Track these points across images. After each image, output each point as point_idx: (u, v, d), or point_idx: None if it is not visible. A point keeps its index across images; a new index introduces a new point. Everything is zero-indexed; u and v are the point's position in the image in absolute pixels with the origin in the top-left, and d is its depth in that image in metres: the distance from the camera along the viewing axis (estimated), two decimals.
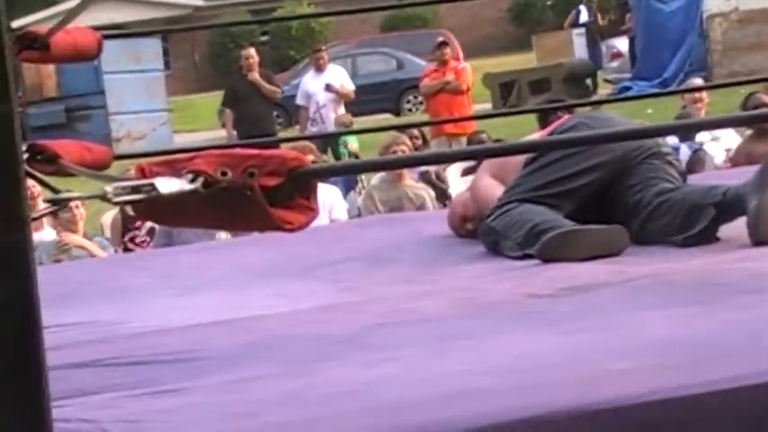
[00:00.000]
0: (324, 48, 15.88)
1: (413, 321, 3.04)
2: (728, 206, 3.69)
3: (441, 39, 14.55)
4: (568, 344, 2.57)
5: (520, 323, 2.84)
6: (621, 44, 23.36)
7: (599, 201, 3.96)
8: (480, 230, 4.12)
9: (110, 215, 8.22)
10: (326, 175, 6.48)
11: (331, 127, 12.79)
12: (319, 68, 13.63)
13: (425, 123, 13.03)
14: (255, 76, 12.78)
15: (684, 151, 7.85)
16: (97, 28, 4.23)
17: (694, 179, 4.40)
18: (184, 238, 6.58)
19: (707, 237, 3.71)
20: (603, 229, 3.74)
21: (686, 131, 7.98)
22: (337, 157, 12.05)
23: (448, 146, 11.67)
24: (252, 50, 13.22)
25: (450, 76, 12.83)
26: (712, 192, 3.79)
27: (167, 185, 1.94)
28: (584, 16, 24.01)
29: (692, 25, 20.37)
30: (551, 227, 3.78)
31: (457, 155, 2.49)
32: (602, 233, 3.73)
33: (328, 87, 13.24)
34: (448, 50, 13.11)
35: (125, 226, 7.90)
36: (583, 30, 23.79)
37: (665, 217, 3.81)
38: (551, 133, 4.20)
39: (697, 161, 7.99)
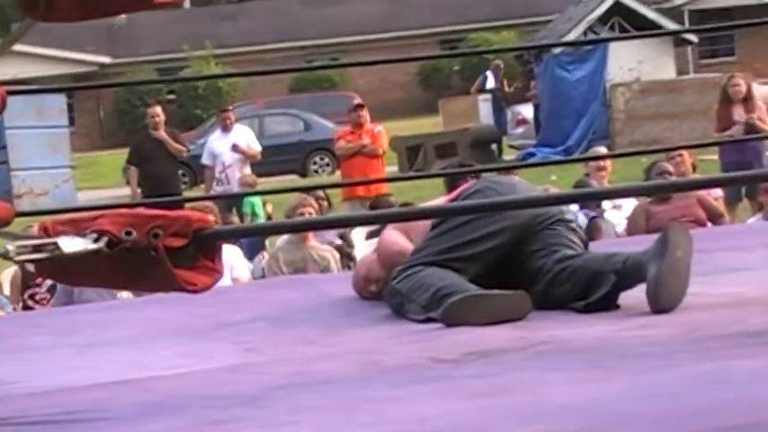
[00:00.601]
0: (231, 107, 15.88)
1: (316, 383, 3.03)
2: (628, 273, 3.75)
3: (357, 101, 14.57)
4: (470, 408, 2.58)
5: (422, 387, 2.84)
6: (527, 111, 23.67)
7: (503, 265, 3.99)
8: (385, 292, 4.13)
9: (9, 272, 8.10)
10: (232, 236, 6.45)
11: (236, 187, 12.75)
12: (226, 128, 13.60)
13: (336, 185, 13.07)
14: (161, 133, 12.73)
15: (581, 219, 7.93)
16: (1, 83, 4.19)
17: (594, 247, 4.45)
18: (85, 296, 6.50)
19: (607, 303, 3.76)
20: (506, 295, 3.77)
21: (590, 200, 8.08)
22: (242, 217, 12.02)
23: (359, 208, 11.69)
24: (158, 109, 13.18)
25: (366, 140, 12.87)
26: (612, 259, 3.85)
27: (71, 245, 1.93)
28: (490, 82, 24.31)
29: (595, 94, 20.70)
30: (455, 291, 3.81)
31: (363, 218, 2.51)
32: (504, 298, 3.76)
33: (235, 147, 13.22)
34: (364, 113, 13.14)
35: (25, 282, 7.79)
36: (489, 95, 24.08)
37: (567, 284, 3.85)
38: (457, 197, 4.23)
39: (594, 229, 8.08)
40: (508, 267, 3.98)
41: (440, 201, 4.44)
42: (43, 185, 20.79)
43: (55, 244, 1.90)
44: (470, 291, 3.78)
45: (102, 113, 36.30)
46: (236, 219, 11.21)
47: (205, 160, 13.63)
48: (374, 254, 4.51)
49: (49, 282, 7.48)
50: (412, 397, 2.76)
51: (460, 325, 3.66)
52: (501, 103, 24.00)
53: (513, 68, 27.95)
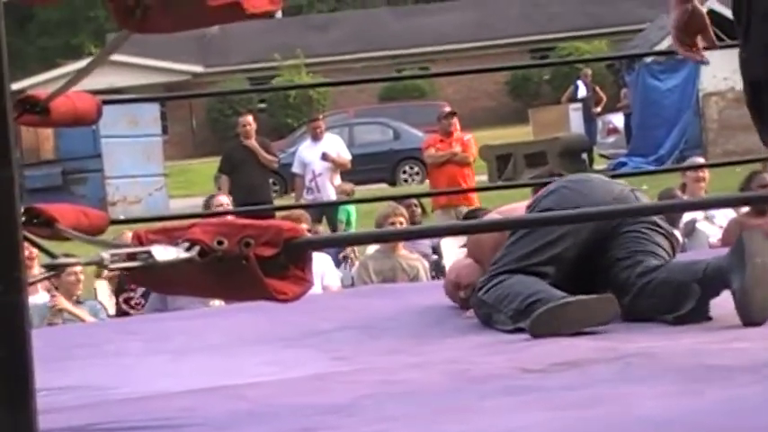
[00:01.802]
0: (321, 116, 15.96)
1: (403, 393, 3.04)
2: (711, 281, 3.71)
3: (448, 109, 14.54)
4: (558, 420, 2.57)
5: (510, 398, 2.84)
6: (617, 120, 23.50)
7: (586, 267, 3.96)
8: (472, 303, 4.13)
9: (103, 280, 8.23)
10: (322, 246, 6.49)
11: (327, 196, 12.81)
12: (316, 137, 13.67)
13: (426, 194, 13.06)
14: (253, 142, 12.83)
15: None
16: (96, 92, 4.27)
17: (686, 257, 4.41)
18: (178, 303, 6.58)
19: (697, 315, 3.72)
20: (593, 299, 3.75)
21: (673, 212, 7.97)
22: (333, 226, 12.05)
23: (452, 217, 11.66)
24: (249, 118, 13.28)
25: (457, 148, 12.86)
26: (693, 268, 3.81)
27: (163, 254, 1.95)
28: (581, 91, 24.15)
29: (688, 103, 20.51)
30: (541, 299, 3.79)
31: (451, 229, 2.52)
32: (591, 303, 3.73)
33: (325, 156, 13.28)
34: (455, 121, 13.13)
35: (121, 286, 7.89)
36: (579, 105, 23.93)
37: (653, 298, 3.82)
38: (535, 200, 4.22)
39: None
40: (592, 273, 3.95)
41: (519, 206, 4.41)
42: (136, 193, 21.06)
43: (148, 253, 1.93)
44: (556, 299, 3.76)
45: (194, 122, 36.68)
46: (321, 228, 11.25)
47: (296, 169, 13.71)
48: (465, 259, 4.52)
49: None
50: (499, 407, 2.75)
51: (548, 336, 3.65)
52: (591, 112, 23.82)
53: (604, 78, 27.78)
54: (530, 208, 4.21)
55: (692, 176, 9.54)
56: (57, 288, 7.48)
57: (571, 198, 4.05)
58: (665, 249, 4.01)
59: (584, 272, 3.94)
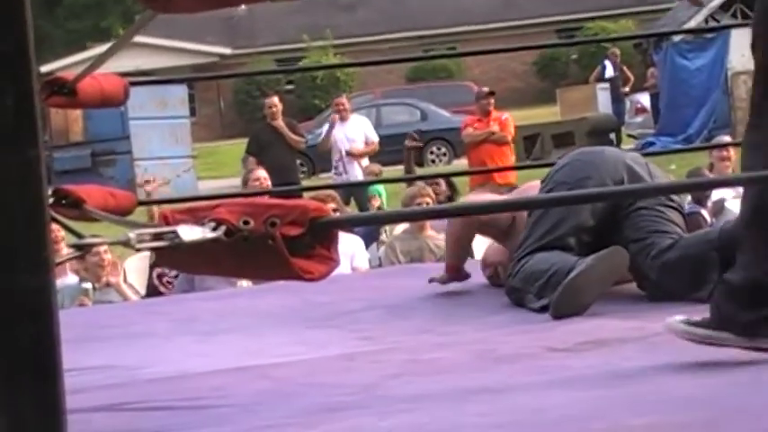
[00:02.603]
0: (347, 97, 15.89)
1: (430, 372, 3.05)
2: (728, 246, 3.69)
3: (486, 89, 14.53)
4: (584, 399, 2.58)
5: (537, 377, 2.84)
6: (645, 99, 23.40)
7: (604, 239, 3.95)
8: (506, 290, 4.15)
9: (132, 260, 8.26)
10: (347, 225, 6.49)
11: (354, 177, 12.80)
12: (342, 117, 13.65)
13: (451, 174, 13.03)
14: (279, 123, 12.83)
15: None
16: (124, 74, 4.29)
17: None
18: (207, 284, 6.60)
19: None
20: (601, 257, 3.74)
21: (698, 190, 7.93)
22: (362, 206, 12.05)
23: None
24: (275, 99, 13.26)
25: (494, 127, 12.85)
26: (706, 238, 3.80)
27: (190, 233, 1.96)
28: (609, 71, 24.04)
29: (716, 82, 20.40)
30: (559, 269, 3.80)
31: (478, 208, 2.52)
32: (601, 262, 3.73)
33: (349, 153, 13.22)
34: (492, 100, 13.11)
35: (155, 262, 7.89)
36: (607, 84, 23.84)
37: (672, 279, 3.80)
38: (549, 174, 4.23)
39: (693, 225, 7.95)
40: (608, 235, 3.95)
41: (535, 184, 4.42)
42: (165, 175, 21.11)
43: (174, 232, 1.94)
44: (570, 273, 3.76)
45: (222, 104, 36.73)
46: (349, 209, 11.25)
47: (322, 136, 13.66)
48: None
49: None
50: (526, 387, 2.76)
51: (573, 315, 3.66)
52: (619, 91, 23.72)
53: (632, 57, 27.65)
54: (544, 182, 4.22)
55: (718, 155, 9.50)
56: (86, 270, 7.50)
57: (583, 169, 4.05)
58: (678, 225, 4.00)
59: (602, 243, 3.93)
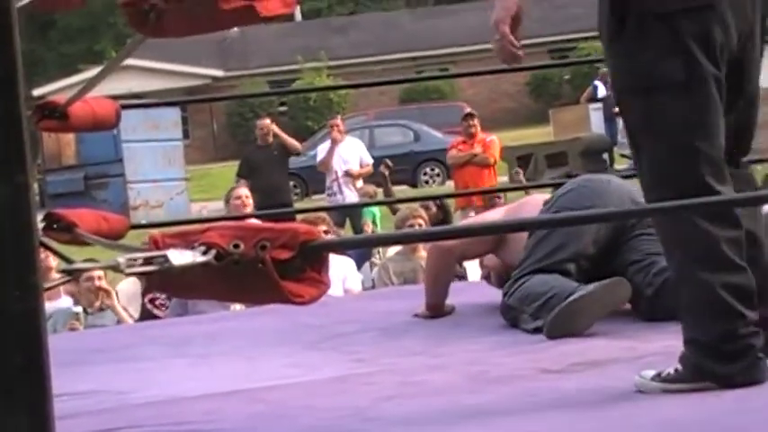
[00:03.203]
0: (341, 118, 15.88)
1: (423, 394, 3.04)
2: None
3: (467, 110, 14.53)
4: (577, 420, 2.57)
5: (529, 399, 2.83)
6: None
7: (604, 268, 3.95)
8: (501, 311, 4.14)
9: (125, 283, 8.24)
10: (338, 248, 6.47)
11: (349, 198, 12.79)
12: (336, 139, 13.63)
13: (446, 196, 13.05)
14: (274, 128, 12.86)
15: None
16: (116, 97, 4.29)
17: None
18: (199, 308, 6.58)
19: None
20: (603, 286, 3.73)
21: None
22: (357, 229, 12.03)
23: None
24: (266, 121, 13.26)
25: (477, 149, 12.87)
26: None
27: (180, 257, 1.95)
28: (601, 91, 24.06)
29: None
30: (557, 293, 3.79)
31: (470, 230, 2.51)
32: (601, 290, 3.72)
33: (347, 173, 13.20)
34: (475, 122, 13.14)
35: (148, 286, 7.86)
36: (600, 105, 23.87)
37: (672, 294, 3.79)
38: (554, 198, 4.22)
39: None
40: (609, 274, 3.95)
41: (534, 200, 4.41)
42: (158, 197, 21.09)
43: (165, 257, 1.93)
44: (571, 290, 3.76)
45: (215, 126, 36.74)
46: (343, 232, 11.23)
47: (319, 156, 13.65)
48: None
49: None
50: (520, 408, 2.75)
51: (566, 336, 3.65)
52: (612, 111, 23.73)
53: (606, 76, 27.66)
54: (547, 204, 4.22)
55: None
56: (80, 294, 7.48)
57: (589, 197, 4.05)
58: None
59: (602, 271, 3.93)
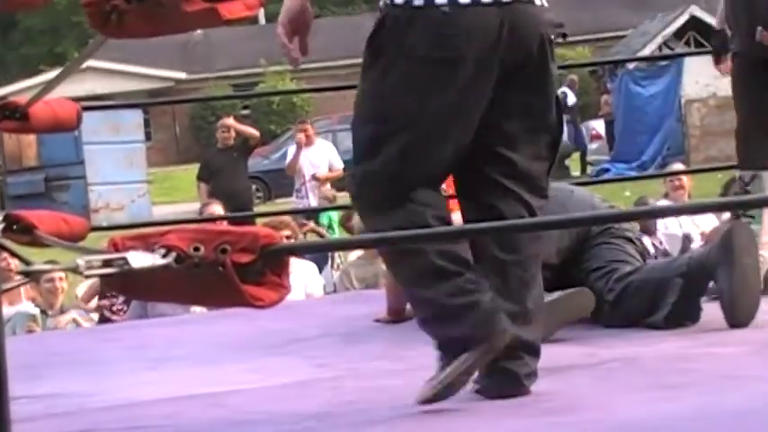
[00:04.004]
0: (309, 121, 15.81)
1: (385, 399, 3.03)
2: (696, 275, 3.71)
3: None
4: (535, 426, 2.58)
5: (489, 403, 2.83)
6: (600, 126, 23.54)
7: (566, 277, 3.96)
8: None
9: (84, 286, 8.20)
10: (300, 252, 6.45)
11: (314, 203, 12.74)
12: (306, 142, 13.55)
13: None
14: (232, 122, 12.81)
15: None
16: (78, 99, 4.26)
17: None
18: (159, 310, 6.55)
19: (685, 309, 3.70)
20: (567, 295, 3.74)
21: (649, 218, 8.00)
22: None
23: None
24: (229, 120, 13.20)
25: None
26: (675, 264, 3.82)
27: (139, 260, 1.95)
28: (571, 98, 24.00)
29: (670, 110, 20.55)
30: None
31: (434, 235, 2.50)
32: (566, 299, 3.73)
33: (314, 177, 13.15)
34: None
35: (102, 292, 7.84)
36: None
37: (634, 299, 3.82)
38: None
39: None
40: (571, 284, 3.96)
41: None
42: (119, 200, 20.99)
43: (124, 259, 1.92)
44: None
45: (177, 128, 36.62)
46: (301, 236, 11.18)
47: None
48: None
49: None
50: (481, 412, 2.75)
51: None
52: (577, 118, 23.75)
53: (588, 84, 27.79)
54: None
55: (671, 184, 9.61)
56: (41, 296, 7.44)
57: (553, 210, 4.05)
58: (636, 258, 4.03)
59: (563, 279, 3.94)
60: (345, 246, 2.30)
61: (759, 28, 3.94)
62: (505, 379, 2.82)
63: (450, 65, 2.73)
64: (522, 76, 2.82)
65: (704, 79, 20.00)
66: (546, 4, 2.88)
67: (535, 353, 2.86)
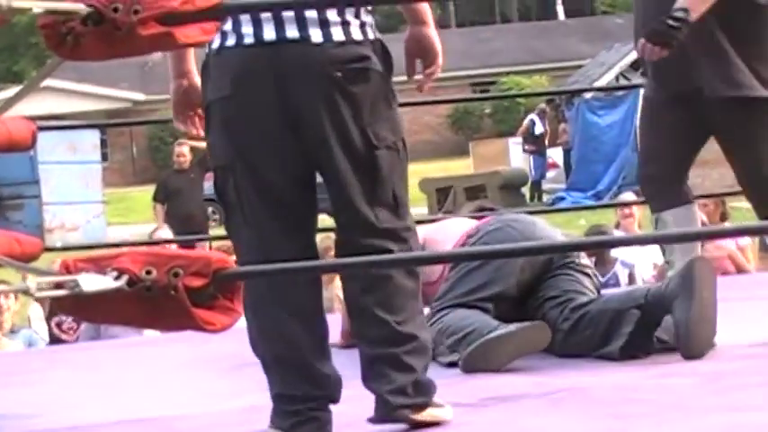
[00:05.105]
0: None
1: (336, 425, 3.03)
2: (653, 307, 3.72)
3: None
4: None
5: (439, 430, 2.83)
6: (556, 155, 23.65)
7: (522, 308, 3.97)
8: None
9: (36, 306, 8.14)
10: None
11: None
12: None
13: None
14: (187, 149, 12.75)
15: None
16: (35, 118, 4.24)
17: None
18: (112, 332, 6.52)
19: (639, 341, 3.72)
20: (524, 328, 3.75)
21: (603, 248, 8.02)
22: None
23: None
24: (185, 149, 13.14)
25: None
26: (633, 295, 3.84)
27: (91, 282, 1.94)
28: (539, 128, 24.03)
29: (626, 139, 20.69)
30: (477, 329, 3.80)
31: (391, 261, 2.51)
32: (522, 332, 3.74)
33: None
34: None
35: (53, 311, 7.79)
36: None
37: (588, 329, 3.83)
38: (479, 232, 4.22)
39: None
40: (527, 313, 3.97)
41: (460, 231, 4.39)
42: (74, 220, 20.84)
43: (75, 281, 1.92)
44: (490, 329, 3.77)
45: (134, 149, 36.49)
46: None
47: None
48: None
49: None
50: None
51: (482, 371, 3.66)
52: (543, 147, 23.75)
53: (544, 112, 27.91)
54: (472, 237, 4.21)
55: (621, 213, 9.66)
56: None
57: (516, 240, 4.07)
58: (591, 290, 4.05)
59: (520, 311, 3.95)
60: (298, 271, 2.31)
61: (641, 40, 3.89)
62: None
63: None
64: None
65: None
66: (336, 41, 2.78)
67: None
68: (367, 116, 2.80)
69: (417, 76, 3.04)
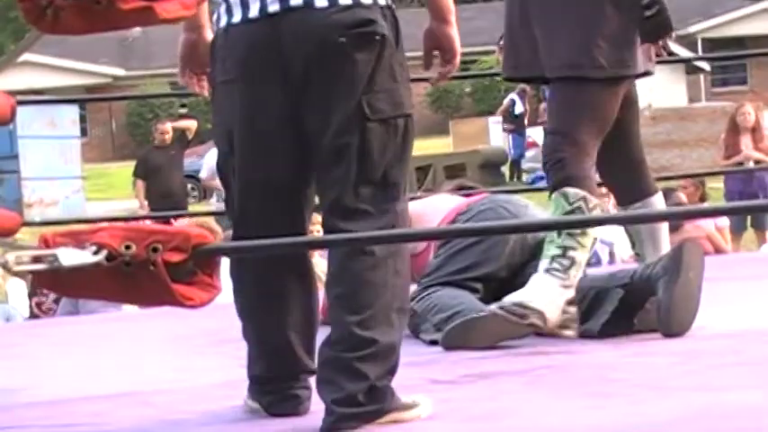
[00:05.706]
0: None
1: (313, 401, 3.03)
2: (637, 287, 3.73)
3: None
4: (462, 431, 2.59)
5: None
6: (536, 134, 23.65)
7: (513, 285, 3.98)
8: None
9: (14, 281, 8.12)
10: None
11: None
12: None
13: None
14: (169, 127, 12.72)
15: None
16: (15, 92, 4.22)
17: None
18: (90, 307, 6.51)
19: (620, 320, 3.72)
20: (506, 314, 3.75)
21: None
22: None
23: None
24: (167, 126, 13.11)
25: None
26: (619, 275, 3.84)
27: (70, 257, 1.94)
28: (519, 107, 23.97)
29: None
30: (463, 310, 3.80)
31: (375, 238, 2.50)
32: (504, 317, 3.74)
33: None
34: None
35: (33, 290, 7.78)
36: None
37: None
38: (471, 211, 4.21)
39: None
40: (516, 289, 3.98)
41: (448, 207, 4.36)
42: (53, 195, 20.79)
43: (54, 256, 1.91)
44: (473, 313, 3.77)
45: (114, 125, 36.36)
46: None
47: (203, 174, 13.45)
48: None
49: None
50: (407, 417, 2.76)
51: (462, 348, 3.66)
52: (523, 127, 23.73)
53: (524, 92, 27.90)
54: (463, 215, 4.20)
55: (598, 193, 9.67)
56: None
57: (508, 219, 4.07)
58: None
59: (507, 291, 3.96)
60: (278, 247, 2.30)
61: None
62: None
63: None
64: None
65: (640, 90, 20.10)
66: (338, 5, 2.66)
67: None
68: (365, 85, 2.65)
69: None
